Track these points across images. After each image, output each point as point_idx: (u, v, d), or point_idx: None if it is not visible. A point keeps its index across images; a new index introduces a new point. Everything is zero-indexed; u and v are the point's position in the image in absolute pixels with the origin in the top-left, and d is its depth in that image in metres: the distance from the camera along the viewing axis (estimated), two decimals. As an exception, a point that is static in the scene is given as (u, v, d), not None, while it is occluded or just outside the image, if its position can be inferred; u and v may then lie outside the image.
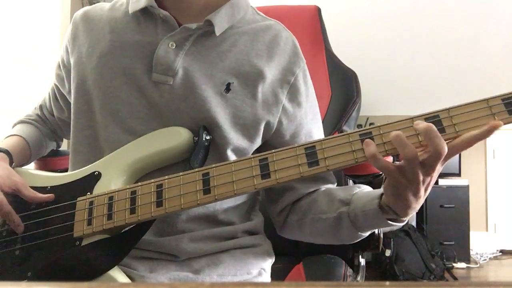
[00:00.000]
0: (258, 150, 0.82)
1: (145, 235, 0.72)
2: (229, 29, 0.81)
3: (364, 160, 0.65)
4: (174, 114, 0.77)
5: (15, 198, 0.76)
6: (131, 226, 0.71)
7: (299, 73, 0.83)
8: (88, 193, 0.74)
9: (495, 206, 3.78)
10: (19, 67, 2.21)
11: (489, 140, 3.75)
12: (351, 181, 1.20)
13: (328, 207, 0.79)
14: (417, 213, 3.33)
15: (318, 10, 1.42)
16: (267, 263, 0.86)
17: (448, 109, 0.64)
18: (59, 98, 0.95)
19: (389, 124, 0.65)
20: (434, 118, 0.64)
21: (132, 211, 0.70)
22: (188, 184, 0.69)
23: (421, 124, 0.62)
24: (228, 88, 0.78)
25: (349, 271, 1.14)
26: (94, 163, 0.78)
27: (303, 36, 1.33)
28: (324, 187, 0.86)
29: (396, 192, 0.66)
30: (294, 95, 0.83)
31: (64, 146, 1.09)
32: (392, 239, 2.98)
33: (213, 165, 0.69)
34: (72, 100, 0.85)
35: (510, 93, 0.63)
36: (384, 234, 1.14)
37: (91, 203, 0.72)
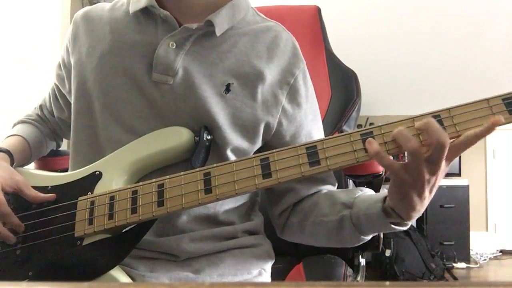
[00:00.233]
0: (259, 151, 0.82)
1: (145, 235, 0.72)
2: (230, 30, 0.81)
3: (365, 160, 0.65)
4: (174, 114, 0.77)
5: (17, 197, 0.76)
6: (132, 226, 0.71)
7: (298, 74, 0.83)
8: (89, 192, 0.74)
9: (495, 206, 3.78)
10: (19, 67, 2.21)
11: (489, 140, 3.76)
12: (351, 181, 1.20)
13: (330, 210, 0.79)
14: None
15: (318, 10, 1.42)
16: (267, 263, 0.87)
17: (449, 109, 0.64)
18: (59, 98, 0.95)
19: (390, 124, 0.65)
20: (435, 118, 0.64)
21: (133, 210, 0.70)
22: (189, 183, 0.69)
23: (420, 121, 0.62)
24: (228, 89, 0.78)
25: (349, 271, 1.14)
26: (95, 163, 0.78)
27: (303, 36, 1.33)
28: (325, 188, 0.86)
29: (400, 192, 0.66)
30: (293, 96, 0.83)
31: (64, 146, 1.09)
32: (392, 239, 2.98)
33: (214, 165, 0.69)
34: (72, 100, 0.85)
35: (511, 93, 0.63)
36: (384, 234, 1.14)
37: (92, 202, 0.72)
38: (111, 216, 0.70)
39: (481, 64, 3.31)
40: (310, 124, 0.86)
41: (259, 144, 0.82)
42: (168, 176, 0.70)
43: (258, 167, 0.68)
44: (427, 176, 0.63)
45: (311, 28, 1.40)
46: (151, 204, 0.69)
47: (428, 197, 0.66)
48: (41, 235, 0.73)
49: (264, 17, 0.89)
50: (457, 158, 3.47)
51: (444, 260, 3.17)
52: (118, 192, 0.72)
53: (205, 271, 0.77)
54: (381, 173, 0.96)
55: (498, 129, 0.61)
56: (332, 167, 0.66)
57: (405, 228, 0.73)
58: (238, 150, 0.79)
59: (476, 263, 3.39)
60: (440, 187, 3.31)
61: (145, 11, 0.81)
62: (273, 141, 0.83)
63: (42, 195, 0.76)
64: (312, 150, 0.67)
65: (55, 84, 0.95)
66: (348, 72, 1.31)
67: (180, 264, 0.77)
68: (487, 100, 0.64)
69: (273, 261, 0.89)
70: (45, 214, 0.75)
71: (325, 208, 0.80)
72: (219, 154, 0.78)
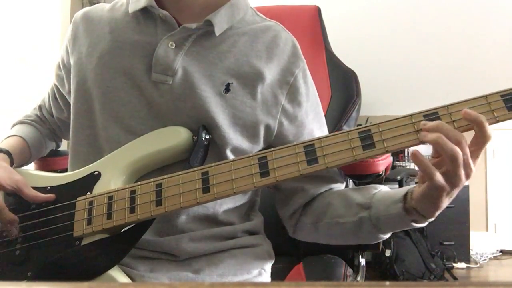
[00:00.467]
0: None
1: (145, 234, 0.72)
2: (229, 30, 0.81)
3: (363, 158, 0.65)
4: (173, 114, 0.77)
5: (16, 197, 0.76)
6: (131, 226, 0.71)
7: (298, 73, 0.83)
8: (88, 193, 0.74)
9: (495, 206, 3.77)
10: (19, 67, 2.21)
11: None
12: (351, 181, 1.20)
13: (346, 211, 0.78)
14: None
15: (318, 10, 1.42)
16: (267, 263, 0.86)
17: (447, 106, 0.64)
18: (58, 98, 0.95)
19: (388, 122, 0.65)
20: (433, 115, 0.64)
21: (132, 210, 0.70)
22: (187, 183, 0.69)
23: (430, 124, 0.62)
24: (227, 89, 0.78)
25: (349, 271, 1.14)
26: (93, 163, 0.78)
27: (303, 36, 1.33)
28: (334, 186, 0.86)
29: (434, 198, 0.65)
30: (293, 95, 0.82)
31: (64, 146, 1.09)
32: (392, 239, 2.97)
33: (212, 164, 0.69)
34: (71, 100, 0.85)
35: (509, 89, 0.63)
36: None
37: (91, 202, 0.72)
38: (109, 216, 0.70)
39: (481, 64, 3.31)
40: (312, 123, 0.86)
41: (260, 145, 0.82)
42: (166, 176, 0.70)
43: (256, 165, 0.68)
44: (464, 180, 0.62)
45: (311, 28, 1.40)
46: (149, 204, 0.69)
47: (455, 194, 0.65)
48: (40, 235, 0.73)
49: (263, 17, 0.89)
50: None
51: (444, 260, 3.16)
52: (116, 192, 0.72)
53: (205, 271, 0.77)
54: (381, 173, 0.95)
55: (498, 129, 0.61)
56: (330, 165, 0.66)
57: (424, 225, 0.72)
58: (237, 150, 0.79)
59: (476, 263, 3.38)
60: (440, 187, 3.33)
61: (144, 11, 0.81)
62: (276, 142, 0.82)
63: (41, 195, 0.76)
64: (310, 149, 0.67)
65: (55, 85, 0.95)
66: (348, 72, 1.31)
67: (179, 264, 0.77)
68: (486, 96, 0.64)
69: (273, 261, 0.88)
70: (44, 214, 0.75)
71: (340, 209, 0.79)
72: (219, 154, 0.78)
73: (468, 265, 3.31)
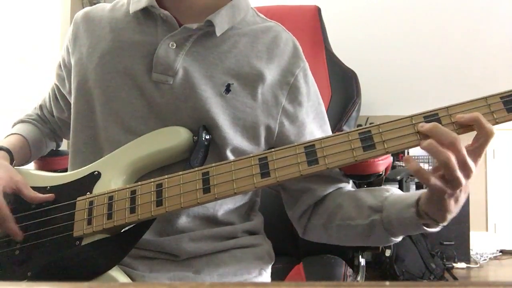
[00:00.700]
0: None
1: (145, 234, 0.72)
2: (230, 30, 0.81)
3: (363, 159, 0.65)
4: (174, 114, 0.77)
5: (16, 198, 0.76)
6: (131, 226, 0.71)
7: (299, 73, 0.83)
8: (88, 192, 0.74)
9: (495, 206, 3.77)
10: (19, 67, 2.21)
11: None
12: (351, 181, 1.20)
13: (357, 213, 0.77)
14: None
15: (318, 10, 1.42)
16: (267, 263, 0.86)
17: (447, 108, 0.64)
18: (59, 98, 0.95)
19: (388, 123, 0.65)
20: (433, 116, 0.64)
21: (132, 210, 0.70)
22: (188, 183, 0.69)
23: (426, 126, 0.62)
24: (228, 89, 0.78)
25: (349, 271, 1.14)
26: (93, 163, 0.78)
27: (303, 36, 1.33)
28: (342, 186, 0.85)
29: (438, 202, 0.65)
30: (294, 95, 0.82)
31: (64, 146, 1.09)
32: (392, 239, 2.97)
33: (213, 164, 0.69)
34: (72, 100, 0.85)
35: (509, 91, 0.63)
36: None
37: (91, 202, 0.72)
38: (109, 216, 0.70)
39: (481, 64, 3.31)
40: (313, 123, 0.86)
41: (261, 146, 0.82)
42: (166, 176, 0.70)
43: (257, 166, 0.68)
44: (463, 181, 0.62)
45: (311, 28, 1.40)
46: (150, 204, 0.69)
47: (464, 197, 0.66)
48: (40, 235, 0.73)
49: (264, 17, 0.89)
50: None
51: (444, 260, 3.16)
52: (116, 192, 0.72)
53: (205, 271, 0.77)
54: (381, 173, 0.95)
55: (498, 129, 0.61)
56: (331, 166, 0.66)
57: (438, 229, 0.72)
58: (238, 151, 0.79)
59: (476, 263, 3.38)
60: (440, 187, 3.33)
61: (145, 11, 0.81)
62: (277, 143, 0.82)
63: (40, 195, 0.76)
64: (310, 149, 0.67)
65: (55, 84, 0.95)
66: (348, 72, 1.31)
67: (180, 264, 0.77)
68: (485, 98, 0.64)
69: (273, 261, 0.88)
70: (44, 214, 0.75)
71: (351, 211, 0.78)
72: (219, 154, 0.78)
73: (468, 265, 3.31)
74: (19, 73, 2.21)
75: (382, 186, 0.82)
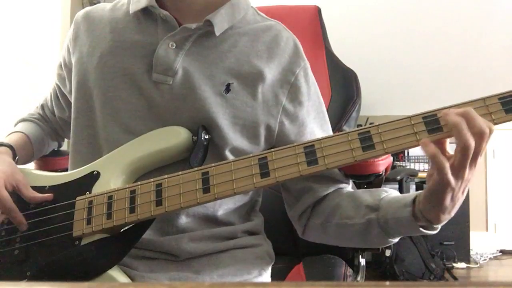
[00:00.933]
0: None
1: (145, 234, 0.72)
2: (230, 30, 0.81)
3: (363, 159, 0.65)
4: (173, 114, 0.77)
5: (15, 197, 0.76)
6: (131, 226, 0.71)
7: (299, 72, 0.83)
8: (87, 192, 0.74)
9: (495, 206, 3.78)
10: (19, 67, 2.21)
11: (489, 140, 3.75)
12: (351, 181, 1.20)
13: (355, 212, 0.78)
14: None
15: (318, 10, 1.42)
16: (267, 263, 0.86)
17: (446, 108, 0.64)
18: (60, 98, 0.95)
19: (387, 123, 0.65)
20: (432, 117, 0.64)
21: (132, 210, 0.70)
22: (187, 183, 0.69)
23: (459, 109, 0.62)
24: (228, 89, 0.77)
25: (349, 271, 1.14)
26: (93, 163, 0.78)
27: (303, 36, 1.32)
28: (343, 187, 0.85)
29: (437, 197, 0.65)
30: (295, 94, 0.82)
31: (65, 146, 1.09)
32: (392, 239, 2.97)
33: (213, 164, 0.69)
34: (72, 99, 0.85)
35: (507, 92, 0.63)
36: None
37: (90, 202, 0.72)
38: (109, 216, 0.70)
39: (481, 65, 3.31)
40: (313, 122, 0.85)
41: (261, 146, 0.82)
42: (166, 176, 0.70)
43: (256, 166, 0.68)
44: (469, 176, 0.62)
45: (311, 28, 1.40)
46: (150, 204, 0.69)
47: (460, 198, 0.65)
48: (39, 235, 0.73)
49: (265, 16, 0.89)
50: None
51: (444, 260, 3.16)
52: (116, 192, 0.72)
53: (205, 271, 0.77)
54: (381, 173, 0.95)
55: (498, 129, 0.61)
56: (330, 166, 0.66)
57: (434, 232, 0.72)
58: (237, 151, 0.79)
59: (476, 263, 3.38)
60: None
61: (145, 11, 0.81)
62: (278, 143, 0.82)
63: (39, 195, 0.76)
64: (310, 149, 0.67)
65: (56, 84, 0.95)
66: (348, 72, 1.31)
67: (180, 264, 0.77)
68: (484, 99, 0.64)
69: (273, 261, 0.88)
70: (43, 214, 0.75)
71: (349, 210, 0.79)
72: (218, 154, 0.78)
73: (468, 265, 3.31)
74: (19, 73, 2.21)
75: (381, 188, 0.82)
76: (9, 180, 0.75)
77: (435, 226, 0.70)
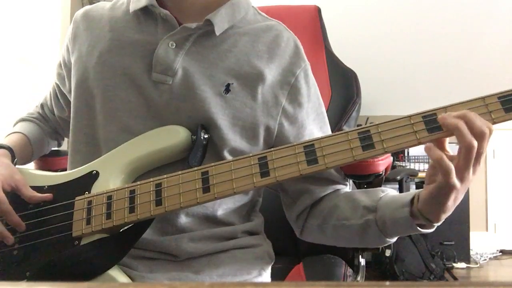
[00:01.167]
0: None
1: (145, 234, 0.72)
2: (230, 29, 0.81)
3: (362, 158, 0.65)
4: (172, 114, 0.77)
5: (14, 197, 0.76)
6: (130, 225, 0.71)
7: (300, 73, 0.83)
8: (86, 192, 0.74)
9: (495, 206, 3.78)
10: (19, 67, 2.21)
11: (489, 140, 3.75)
12: (351, 181, 1.20)
13: (352, 213, 0.78)
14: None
15: (318, 10, 1.42)
16: (267, 264, 0.86)
17: (446, 107, 0.64)
18: (59, 97, 0.95)
19: (387, 123, 0.65)
20: (431, 116, 0.64)
21: (131, 210, 0.70)
22: (187, 182, 0.69)
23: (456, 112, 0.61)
24: (227, 89, 0.77)
25: (349, 271, 1.14)
26: (91, 162, 0.78)
27: (303, 36, 1.32)
28: (341, 188, 0.85)
29: (440, 197, 0.64)
30: (294, 95, 0.82)
31: (65, 146, 1.09)
32: (392, 239, 2.97)
33: (212, 164, 0.69)
34: (72, 98, 0.85)
35: (506, 91, 0.63)
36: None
37: (90, 202, 0.72)
38: (108, 216, 0.70)
39: (480, 64, 3.31)
40: (312, 124, 0.85)
41: (260, 146, 0.81)
42: (165, 175, 0.70)
43: (256, 165, 0.68)
44: (472, 176, 0.62)
45: (311, 28, 1.39)
46: (149, 203, 0.69)
47: (461, 197, 0.65)
48: (38, 235, 0.73)
49: (266, 16, 0.88)
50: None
51: (444, 260, 3.16)
52: (115, 192, 0.71)
53: (205, 271, 0.77)
54: (381, 173, 0.95)
55: (498, 129, 0.61)
56: (330, 165, 0.66)
57: (431, 230, 0.71)
58: (236, 151, 0.79)
59: (476, 263, 3.39)
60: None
61: (145, 11, 0.81)
62: (277, 144, 0.82)
63: (38, 195, 0.76)
64: (309, 149, 0.67)
65: (56, 83, 0.95)
66: (348, 72, 1.31)
67: (179, 264, 0.77)
68: (483, 98, 0.64)
69: (273, 261, 0.88)
70: (43, 214, 0.75)
71: (346, 211, 0.79)
72: (217, 155, 0.77)
73: (468, 265, 3.31)
74: (19, 73, 2.21)
75: (378, 187, 0.82)
76: (7, 181, 0.75)
77: (434, 224, 0.70)
